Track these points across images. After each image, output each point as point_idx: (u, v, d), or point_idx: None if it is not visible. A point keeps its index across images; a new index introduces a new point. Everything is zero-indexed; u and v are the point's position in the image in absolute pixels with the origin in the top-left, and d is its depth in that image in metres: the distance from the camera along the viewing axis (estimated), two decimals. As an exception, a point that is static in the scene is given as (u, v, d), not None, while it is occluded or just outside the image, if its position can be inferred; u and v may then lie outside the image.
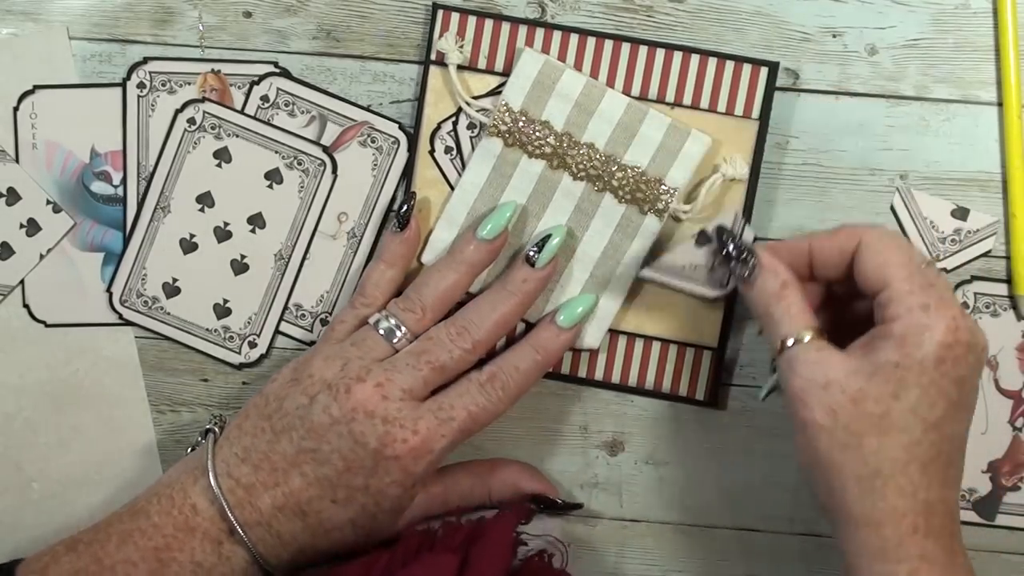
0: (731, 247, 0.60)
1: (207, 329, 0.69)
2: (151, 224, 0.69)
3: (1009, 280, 0.67)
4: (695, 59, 0.66)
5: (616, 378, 0.68)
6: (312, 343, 0.69)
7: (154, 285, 0.69)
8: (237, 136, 0.68)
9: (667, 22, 0.67)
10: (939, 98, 0.67)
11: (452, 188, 0.67)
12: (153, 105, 0.68)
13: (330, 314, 0.69)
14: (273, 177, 0.68)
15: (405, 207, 0.65)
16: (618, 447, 0.69)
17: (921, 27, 0.67)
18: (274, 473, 0.61)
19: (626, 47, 0.66)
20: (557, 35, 0.66)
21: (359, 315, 0.65)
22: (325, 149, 0.68)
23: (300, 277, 0.69)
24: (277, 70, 0.68)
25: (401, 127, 0.68)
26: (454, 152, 0.68)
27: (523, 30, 0.67)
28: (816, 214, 0.67)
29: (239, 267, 0.69)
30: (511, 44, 0.67)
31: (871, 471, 0.55)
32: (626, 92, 0.66)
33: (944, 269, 0.67)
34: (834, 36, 0.67)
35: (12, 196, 0.69)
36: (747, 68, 0.66)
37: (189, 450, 0.66)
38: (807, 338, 0.58)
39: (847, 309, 0.62)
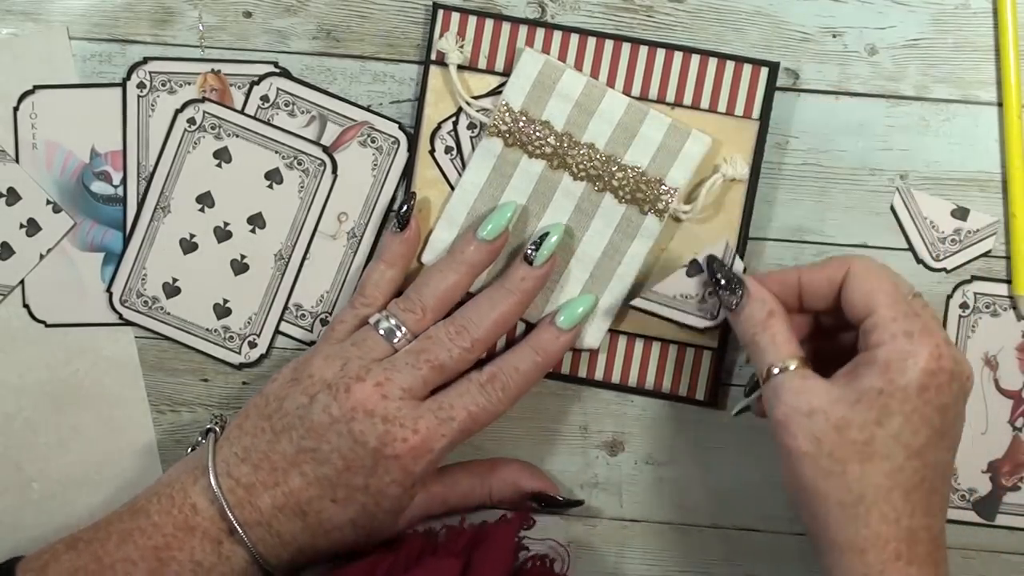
0: (721, 277, 0.61)
1: (207, 329, 0.69)
2: (151, 224, 0.69)
3: (1009, 280, 0.67)
4: (695, 59, 0.66)
5: (616, 378, 0.68)
6: (312, 343, 0.69)
7: (154, 285, 0.69)
8: (237, 136, 0.68)
9: (667, 22, 0.67)
10: (939, 98, 0.67)
11: (452, 188, 0.67)
12: (153, 105, 0.68)
13: (330, 314, 0.69)
14: (273, 177, 0.68)
15: (405, 207, 0.65)
16: (618, 447, 0.69)
17: (921, 27, 0.67)
18: (274, 473, 0.61)
19: (626, 47, 0.66)
20: (557, 35, 0.66)
21: (359, 315, 0.65)
22: (325, 149, 0.68)
23: (300, 277, 0.69)
24: (277, 70, 0.68)
25: (401, 127, 0.68)
26: (454, 152, 0.68)
27: (523, 30, 0.67)
28: (816, 214, 0.67)
29: (239, 267, 0.69)
30: (511, 44, 0.67)
31: (854, 498, 0.56)
32: (626, 92, 0.66)
33: (944, 269, 0.67)
34: (834, 36, 0.67)
35: (12, 196, 0.69)
36: (747, 68, 0.66)
37: (189, 450, 0.66)
38: (792, 366, 0.58)
39: (835, 341, 0.63)
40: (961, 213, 0.67)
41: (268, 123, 0.68)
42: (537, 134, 0.66)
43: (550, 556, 0.66)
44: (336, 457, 0.61)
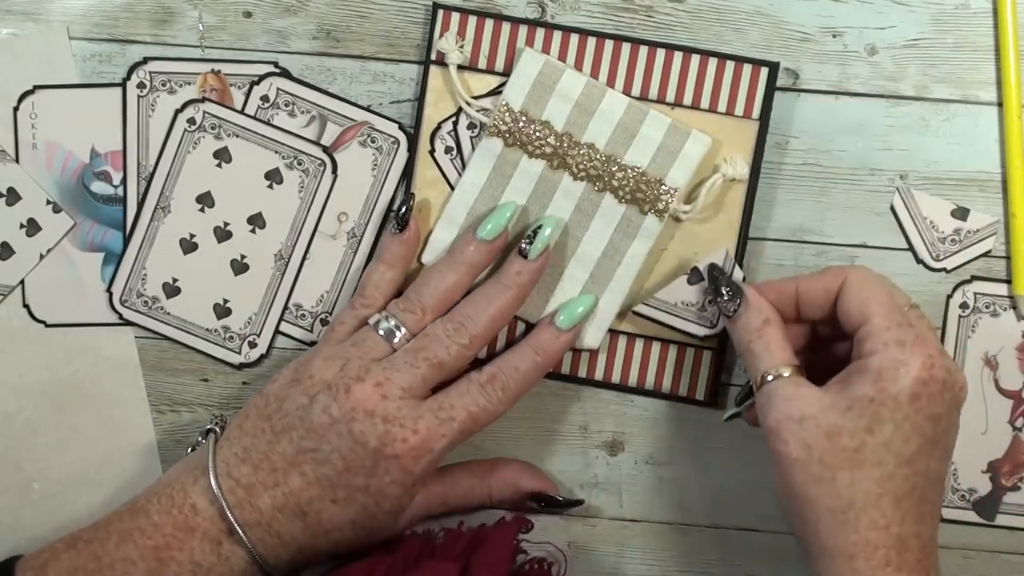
0: (720, 285, 0.62)
1: (207, 329, 0.69)
2: (151, 224, 0.69)
3: (1009, 280, 0.67)
4: (695, 59, 0.66)
5: (616, 378, 0.68)
6: (312, 343, 0.69)
7: (154, 285, 0.69)
8: (237, 136, 0.68)
9: (667, 22, 0.67)
10: (939, 98, 0.67)
11: (452, 188, 0.67)
12: (153, 105, 0.68)
13: (330, 314, 0.69)
14: (273, 177, 0.68)
15: (404, 208, 0.65)
16: (618, 447, 0.69)
17: (921, 27, 0.67)
18: (274, 473, 0.61)
19: (626, 47, 0.66)
20: (557, 35, 0.66)
21: (359, 316, 0.65)
22: (325, 149, 0.68)
23: (300, 277, 0.69)
24: (277, 70, 0.68)
25: (401, 127, 0.68)
26: (454, 152, 0.68)
27: (523, 30, 0.67)
28: (816, 214, 0.67)
29: (239, 267, 0.69)
30: (511, 44, 0.67)
31: (844, 504, 0.56)
32: (626, 92, 0.66)
33: (944, 269, 0.67)
34: (834, 36, 0.67)
35: (12, 196, 0.69)
36: (747, 68, 0.66)
37: (189, 450, 0.66)
38: (786, 374, 0.59)
39: (832, 351, 0.63)
40: (961, 213, 0.67)
41: (268, 123, 0.68)
42: (537, 134, 0.66)
43: (548, 559, 0.66)
44: (336, 457, 0.61)
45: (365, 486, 0.61)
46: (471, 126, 0.67)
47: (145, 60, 0.68)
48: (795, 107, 0.67)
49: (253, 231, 0.69)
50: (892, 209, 0.67)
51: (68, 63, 0.68)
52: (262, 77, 0.68)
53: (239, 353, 0.69)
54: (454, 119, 0.67)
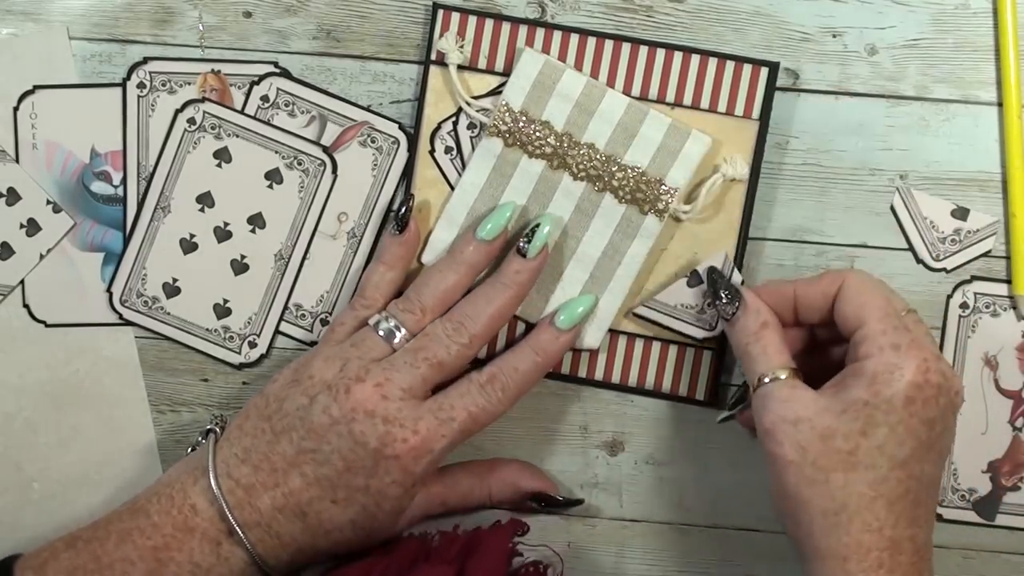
0: (719, 288, 0.62)
1: (207, 329, 0.69)
2: (151, 224, 0.69)
3: (1009, 280, 0.67)
4: (695, 59, 0.66)
5: (616, 378, 0.68)
6: (312, 343, 0.69)
7: (154, 285, 0.69)
8: (237, 136, 0.68)
9: (667, 22, 0.67)
10: (939, 98, 0.67)
11: (452, 188, 0.67)
12: (153, 105, 0.68)
13: (330, 314, 0.69)
14: (273, 177, 0.68)
15: (403, 209, 0.65)
16: (618, 447, 0.69)
17: (921, 27, 0.67)
18: (274, 474, 0.61)
19: (626, 47, 0.66)
20: (557, 35, 0.66)
21: (359, 317, 0.65)
22: (325, 149, 0.68)
23: (300, 277, 0.69)
24: (277, 70, 0.68)
25: (401, 127, 0.68)
26: (454, 152, 0.68)
27: (523, 30, 0.67)
28: (816, 214, 0.67)
29: (239, 267, 0.69)
30: (511, 44, 0.67)
31: (837, 506, 0.56)
32: (626, 92, 0.66)
33: (944, 269, 0.67)
34: (834, 36, 0.67)
35: (12, 196, 0.69)
36: (747, 68, 0.66)
37: (189, 450, 0.66)
38: (782, 376, 0.59)
39: (829, 355, 0.64)
40: (961, 213, 0.67)
41: (268, 123, 0.68)
42: (537, 134, 0.66)
43: (544, 562, 0.66)
44: (336, 458, 0.61)
45: (365, 486, 0.61)
46: (471, 126, 0.67)
47: (145, 60, 0.68)
48: (795, 107, 0.67)
49: (253, 231, 0.69)
50: (892, 209, 0.67)
51: (68, 63, 0.68)
52: (262, 77, 0.68)
53: (239, 353, 0.69)
54: (454, 119, 0.67)
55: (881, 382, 0.57)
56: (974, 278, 0.67)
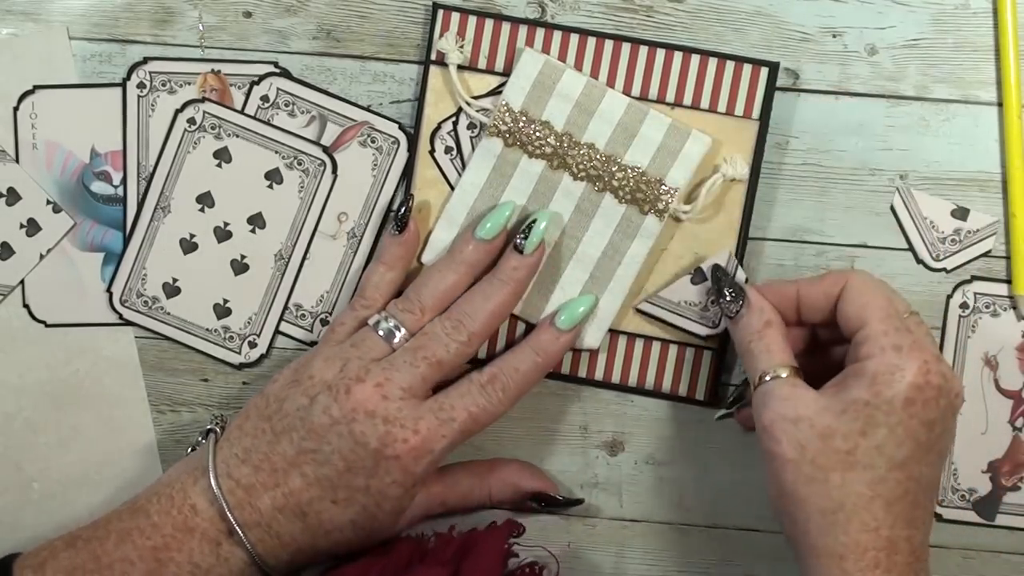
0: (723, 286, 0.62)
1: (207, 329, 0.69)
2: (151, 224, 0.69)
3: (1009, 280, 0.67)
4: (695, 59, 0.66)
5: (616, 378, 0.68)
6: (312, 343, 0.69)
7: (154, 285, 0.69)
8: (237, 136, 0.68)
9: (667, 22, 0.67)
10: (939, 98, 0.67)
11: (452, 188, 0.67)
12: (153, 105, 0.68)
13: (330, 314, 0.69)
14: (273, 177, 0.68)
15: (403, 209, 0.65)
16: (618, 447, 0.69)
17: (921, 27, 0.67)
18: (274, 474, 0.61)
19: (626, 47, 0.66)
20: (557, 35, 0.66)
21: (359, 317, 0.65)
22: (325, 149, 0.68)
23: (300, 277, 0.69)
24: (277, 70, 0.68)
25: (401, 127, 0.68)
26: (454, 152, 0.68)
27: (523, 30, 0.67)
28: (816, 214, 0.67)
29: (239, 267, 0.69)
30: (511, 44, 0.67)
31: (835, 505, 0.56)
32: (626, 92, 0.66)
33: (944, 269, 0.67)
34: (834, 36, 0.67)
35: (12, 196, 0.69)
36: (747, 68, 0.66)
37: (189, 450, 0.66)
38: (784, 374, 0.59)
39: (830, 355, 0.64)
40: (961, 213, 0.67)
41: (268, 123, 0.68)
42: (537, 134, 0.66)
43: (539, 564, 0.66)
44: (337, 458, 0.61)
45: (365, 487, 0.61)
46: (471, 126, 0.67)
47: (145, 60, 0.68)
48: (795, 107, 0.67)
49: (253, 231, 0.69)
50: (892, 209, 0.67)
51: (68, 63, 0.68)
52: (262, 77, 0.68)
53: (239, 353, 0.69)
54: (454, 119, 0.67)
55: (882, 383, 0.57)
56: (974, 278, 0.67)
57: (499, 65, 0.67)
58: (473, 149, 0.67)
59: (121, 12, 0.68)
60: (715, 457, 0.68)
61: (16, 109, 0.68)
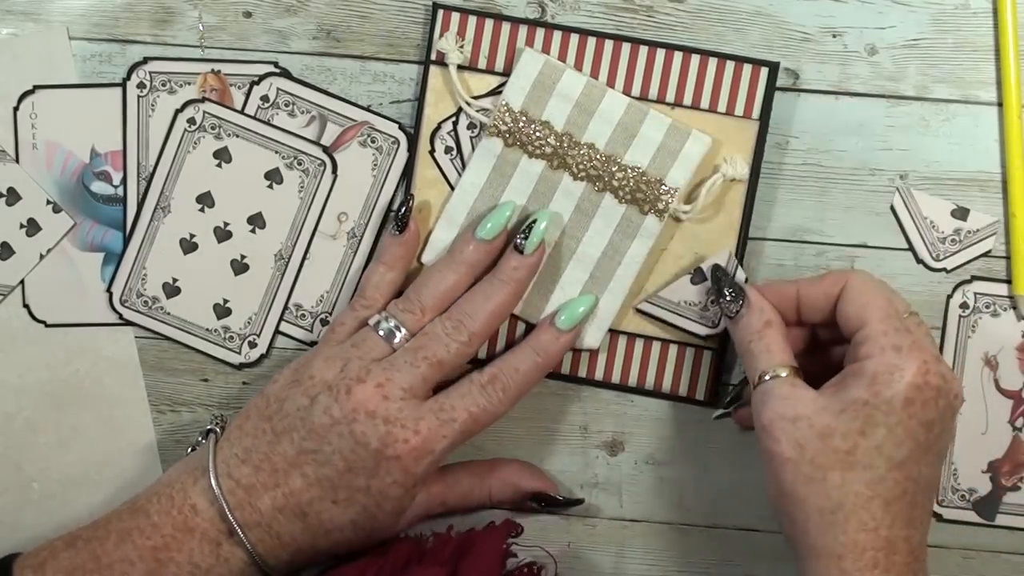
0: (723, 286, 0.63)
1: (207, 329, 0.69)
2: (151, 224, 0.69)
3: (1009, 280, 0.67)
4: (695, 59, 0.66)
5: (616, 378, 0.68)
6: (312, 343, 0.69)
7: (154, 285, 0.69)
8: (237, 136, 0.68)
9: (667, 22, 0.67)
10: (939, 98, 0.67)
11: (452, 188, 0.67)
12: (153, 105, 0.68)
13: (330, 314, 0.69)
14: (273, 177, 0.68)
15: (403, 209, 0.65)
16: (618, 447, 0.69)
17: (921, 27, 0.67)
18: (274, 474, 0.61)
19: (626, 47, 0.66)
20: (557, 35, 0.66)
21: (359, 317, 0.65)
22: (325, 149, 0.68)
23: (300, 277, 0.69)
24: (277, 70, 0.68)
25: (401, 127, 0.68)
26: (454, 152, 0.68)
27: (523, 30, 0.67)
28: (816, 214, 0.67)
29: (239, 267, 0.69)
30: (511, 44, 0.67)
31: (834, 505, 0.56)
32: (626, 92, 0.66)
33: (944, 269, 0.67)
34: (834, 36, 0.67)
35: (12, 196, 0.69)
36: (747, 68, 0.66)
37: (189, 450, 0.66)
38: (783, 374, 0.59)
39: (830, 355, 0.64)
40: (961, 213, 0.67)
41: (268, 123, 0.68)
42: (537, 134, 0.66)
43: (538, 564, 0.66)
44: (337, 458, 0.61)
45: (366, 487, 0.61)
46: (471, 126, 0.67)
47: (145, 60, 0.68)
48: (795, 107, 0.67)
49: (253, 231, 0.69)
50: (892, 209, 0.67)
51: (68, 63, 0.68)
52: (262, 77, 0.68)
53: (239, 353, 0.69)
54: (454, 119, 0.67)
55: (881, 383, 0.57)
56: (974, 278, 0.67)
57: (499, 65, 0.67)
58: (473, 149, 0.67)
59: (121, 12, 0.68)
60: (715, 457, 0.69)
61: (16, 109, 0.68)
